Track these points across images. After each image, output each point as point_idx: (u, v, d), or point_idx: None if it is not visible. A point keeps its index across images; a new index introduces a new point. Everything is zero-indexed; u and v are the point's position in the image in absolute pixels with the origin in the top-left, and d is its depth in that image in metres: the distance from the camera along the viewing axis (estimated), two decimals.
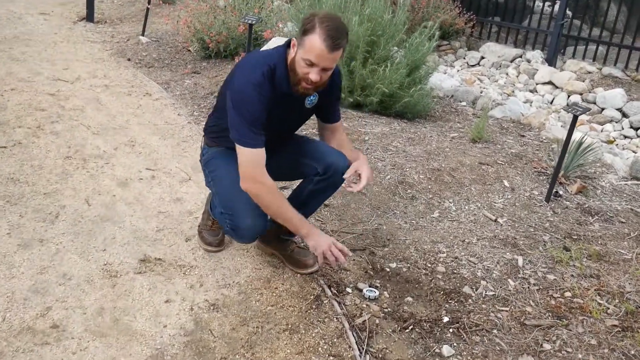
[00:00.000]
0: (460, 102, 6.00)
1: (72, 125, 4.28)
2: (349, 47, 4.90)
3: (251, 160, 2.40)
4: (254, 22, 4.79)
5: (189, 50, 6.53)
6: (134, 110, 4.76)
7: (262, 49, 2.79)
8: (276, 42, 5.06)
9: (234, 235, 2.61)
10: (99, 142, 4.06)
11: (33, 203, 3.19)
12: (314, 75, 2.29)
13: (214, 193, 2.75)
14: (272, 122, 2.44)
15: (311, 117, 2.73)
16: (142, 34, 7.05)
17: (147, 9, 7.02)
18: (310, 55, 2.26)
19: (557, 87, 6.95)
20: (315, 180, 2.67)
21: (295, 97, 2.46)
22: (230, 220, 2.53)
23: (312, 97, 2.53)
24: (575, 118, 3.49)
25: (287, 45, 2.42)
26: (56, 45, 6.45)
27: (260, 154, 2.40)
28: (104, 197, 3.36)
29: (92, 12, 7.77)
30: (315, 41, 2.23)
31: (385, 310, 2.65)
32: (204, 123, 2.86)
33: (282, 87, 2.41)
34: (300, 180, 2.82)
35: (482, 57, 7.91)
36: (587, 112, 3.55)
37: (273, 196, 2.44)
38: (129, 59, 6.24)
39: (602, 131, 6.01)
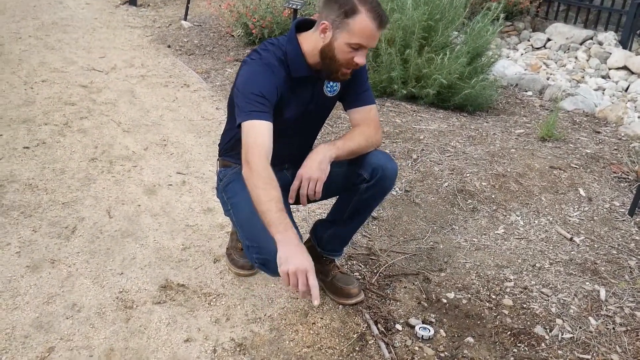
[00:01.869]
0: (526, 91, 5.45)
1: (102, 121, 3.98)
2: (402, 33, 4.44)
3: (247, 133, 1.97)
4: (299, 6, 4.38)
5: (232, 35, 6.16)
6: (170, 103, 4.43)
7: None
8: None
9: (265, 270, 2.13)
10: (129, 141, 3.74)
11: (49, 215, 2.89)
12: (360, 58, 2.03)
13: (234, 223, 2.32)
14: (289, 114, 2.14)
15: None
16: (185, 19, 6.71)
17: None
18: (361, 39, 1.99)
19: (632, 73, 6.29)
20: (362, 188, 2.26)
21: (312, 81, 2.17)
22: (257, 253, 2.08)
23: (332, 83, 2.21)
24: None
25: (295, 28, 2.13)
26: (95, 32, 6.18)
27: (259, 125, 1.96)
28: (128, 207, 3.04)
29: None
30: (365, 22, 1.97)
31: (442, 354, 2.24)
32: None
33: (299, 71, 2.11)
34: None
35: (549, 39, 7.26)
36: None
37: (257, 179, 1.92)
38: (169, 46, 5.91)
39: None
